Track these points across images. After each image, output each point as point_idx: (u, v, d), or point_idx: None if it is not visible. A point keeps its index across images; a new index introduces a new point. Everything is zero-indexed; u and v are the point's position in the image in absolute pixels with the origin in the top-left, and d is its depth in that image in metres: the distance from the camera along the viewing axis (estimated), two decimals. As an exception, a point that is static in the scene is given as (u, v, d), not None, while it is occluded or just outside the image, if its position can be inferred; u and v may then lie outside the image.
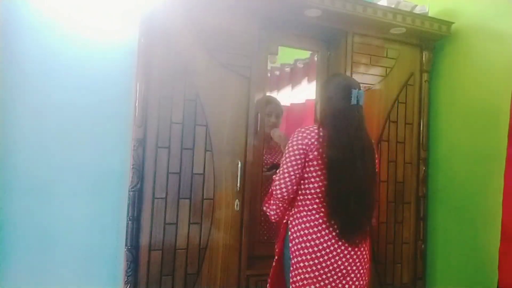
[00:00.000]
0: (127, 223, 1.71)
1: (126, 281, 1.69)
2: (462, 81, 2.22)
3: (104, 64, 1.94)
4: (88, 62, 1.92)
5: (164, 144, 1.79)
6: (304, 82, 2.49)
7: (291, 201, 1.58)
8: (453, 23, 2.25)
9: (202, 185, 1.84)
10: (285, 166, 1.51)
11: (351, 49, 2.16)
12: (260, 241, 2.14)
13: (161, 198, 1.77)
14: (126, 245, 1.70)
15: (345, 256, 1.46)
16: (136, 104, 1.74)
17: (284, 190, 1.50)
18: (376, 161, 1.63)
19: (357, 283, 1.50)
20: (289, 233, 1.55)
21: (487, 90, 2.06)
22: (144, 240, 1.73)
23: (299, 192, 1.54)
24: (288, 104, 2.46)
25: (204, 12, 1.86)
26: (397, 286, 2.23)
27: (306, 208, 1.52)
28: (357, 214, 1.48)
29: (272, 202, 1.59)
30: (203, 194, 1.84)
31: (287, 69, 2.53)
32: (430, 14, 2.27)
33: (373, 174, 1.57)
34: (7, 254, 1.77)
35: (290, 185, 1.50)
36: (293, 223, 1.54)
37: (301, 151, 1.49)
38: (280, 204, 1.56)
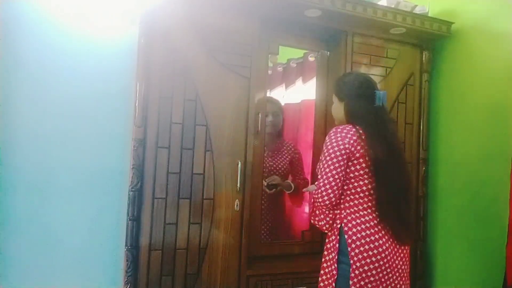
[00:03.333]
0: (127, 223, 1.71)
1: (126, 281, 1.69)
2: (462, 81, 2.22)
3: (104, 64, 1.94)
4: (88, 62, 1.92)
5: (164, 144, 1.79)
6: (299, 82, 2.49)
7: (337, 205, 1.51)
8: (453, 23, 2.25)
9: (202, 185, 1.84)
10: (327, 170, 1.42)
11: (351, 49, 2.16)
12: (260, 241, 2.14)
13: (161, 198, 1.77)
14: (126, 245, 1.70)
15: (399, 255, 1.44)
16: (136, 104, 1.74)
17: (331, 195, 1.41)
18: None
19: (407, 281, 1.50)
20: (345, 236, 1.42)
21: (487, 90, 2.06)
22: (144, 240, 1.74)
23: (347, 192, 1.47)
24: (282, 104, 2.46)
25: (204, 12, 1.86)
26: (397, 286, 2.23)
27: (360, 207, 1.44)
28: (406, 214, 1.46)
29: (318, 212, 1.51)
30: (203, 194, 1.84)
31: (280, 69, 2.53)
32: (430, 14, 2.27)
33: (409, 177, 1.60)
34: (7, 254, 1.77)
35: (336, 189, 1.41)
36: (349, 225, 1.43)
37: (344, 151, 1.42)
38: (327, 212, 1.49)
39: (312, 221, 1.57)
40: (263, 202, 2.14)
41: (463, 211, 2.15)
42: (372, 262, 1.37)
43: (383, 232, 1.41)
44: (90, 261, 1.90)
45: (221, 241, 1.86)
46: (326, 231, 1.54)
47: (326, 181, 1.41)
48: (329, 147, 1.44)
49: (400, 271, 1.43)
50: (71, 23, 1.89)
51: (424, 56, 2.34)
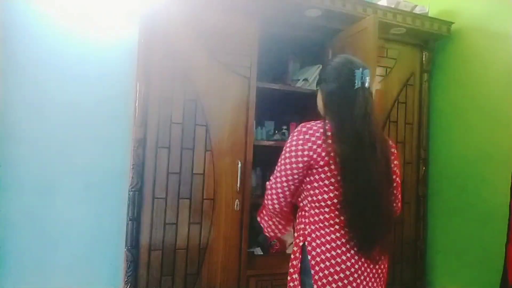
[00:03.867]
0: (127, 223, 1.71)
1: (126, 281, 1.69)
2: (462, 81, 2.22)
3: (104, 65, 1.94)
4: (89, 63, 1.92)
5: (164, 144, 1.79)
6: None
7: (288, 214, 1.36)
8: (453, 23, 2.25)
9: (202, 185, 1.84)
10: (278, 175, 1.26)
11: (351, 49, 2.16)
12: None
13: (161, 198, 1.77)
14: (126, 245, 1.70)
15: (373, 275, 1.24)
16: (136, 104, 1.74)
17: (275, 202, 1.28)
18: (393, 157, 1.33)
19: None
20: (309, 257, 1.24)
21: (487, 89, 2.06)
22: (144, 240, 1.74)
23: (312, 205, 1.26)
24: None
25: (204, 12, 1.86)
26: (397, 286, 2.23)
27: (325, 223, 1.23)
28: (375, 225, 1.20)
29: (264, 213, 1.39)
30: (203, 194, 1.84)
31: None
32: (430, 14, 2.27)
33: (388, 172, 1.26)
34: (7, 254, 1.77)
35: (283, 198, 1.27)
36: (313, 244, 1.24)
37: (304, 158, 1.22)
38: (272, 216, 1.35)
39: (258, 218, 1.44)
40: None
41: (463, 211, 2.15)
42: (341, 286, 1.19)
43: (352, 252, 1.20)
44: (90, 261, 1.90)
45: (221, 241, 1.86)
46: (267, 235, 1.43)
47: (274, 186, 1.28)
48: (287, 150, 1.26)
49: None
50: (72, 24, 1.90)
51: (424, 56, 2.35)
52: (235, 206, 1.88)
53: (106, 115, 1.94)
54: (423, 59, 2.35)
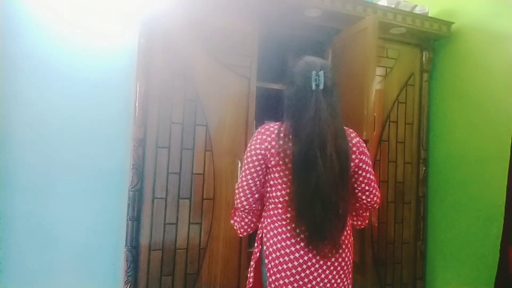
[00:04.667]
0: (127, 223, 1.71)
1: (126, 281, 1.69)
2: (462, 81, 2.22)
3: (105, 65, 1.94)
4: (89, 63, 1.92)
5: (164, 144, 1.79)
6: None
7: (258, 211, 1.43)
8: (453, 23, 2.25)
9: (202, 185, 1.84)
10: (243, 174, 1.34)
11: (351, 49, 2.16)
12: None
13: (161, 198, 1.78)
14: (126, 245, 1.71)
15: (326, 269, 1.29)
16: (136, 104, 1.74)
17: (243, 200, 1.34)
18: (357, 153, 1.36)
19: None
20: (264, 247, 1.35)
21: (487, 90, 2.06)
22: (144, 240, 1.74)
23: (270, 200, 1.35)
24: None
25: (204, 12, 1.87)
26: (397, 286, 2.23)
27: (278, 217, 1.32)
28: (324, 221, 1.24)
29: (237, 214, 1.44)
30: (203, 194, 1.84)
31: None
32: (430, 14, 2.27)
33: (343, 170, 1.27)
34: (7, 254, 1.77)
35: (250, 194, 1.34)
36: (267, 235, 1.34)
37: (260, 157, 1.30)
38: (244, 216, 1.41)
39: (231, 221, 1.49)
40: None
41: (463, 211, 2.15)
42: (287, 276, 1.27)
43: (301, 244, 1.27)
44: (90, 261, 1.90)
45: (221, 241, 1.86)
46: (241, 235, 1.47)
47: (240, 185, 1.35)
48: (248, 149, 1.35)
49: (325, 285, 1.29)
50: (72, 24, 1.89)
51: (424, 56, 2.35)
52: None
53: (106, 115, 1.94)
54: (423, 59, 2.35)
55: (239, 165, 1.88)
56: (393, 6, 2.15)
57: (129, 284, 1.69)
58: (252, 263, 1.41)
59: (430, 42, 2.34)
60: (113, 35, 1.96)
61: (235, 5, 1.90)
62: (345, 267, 1.33)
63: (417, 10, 2.23)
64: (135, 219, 1.72)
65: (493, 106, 2.02)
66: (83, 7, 1.92)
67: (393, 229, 2.25)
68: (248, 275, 1.42)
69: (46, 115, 1.85)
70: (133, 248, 1.71)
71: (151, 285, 1.74)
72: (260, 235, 1.39)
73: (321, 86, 1.25)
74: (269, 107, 2.31)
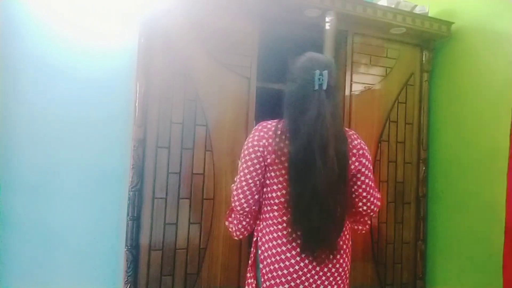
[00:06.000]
0: (127, 223, 1.71)
1: (126, 281, 1.69)
2: (462, 81, 2.22)
3: (105, 64, 1.94)
4: (89, 63, 1.92)
5: (164, 144, 1.79)
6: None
7: (256, 213, 1.34)
8: (453, 23, 2.25)
9: (202, 185, 1.84)
10: (241, 174, 1.26)
11: (351, 49, 2.16)
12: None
13: (161, 198, 1.78)
14: (126, 245, 1.71)
15: (322, 275, 1.24)
16: (136, 104, 1.74)
17: (243, 201, 1.26)
18: (357, 155, 1.30)
19: None
20: (259, 251, 1.29)
21: (487, 89, 2.06)
22: (144, 240, 1.74)
23: (266, 202, 1.29)
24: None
25: (204, 12, 1.86)
26: (397, 286, 2.23)
27: (274, 221, 1.26)
28: (320, 226, 1.19)
29: (233, 215, 1.36)
30: (203, 194, 1.84)
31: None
32: (430, 14, 2.27)
33: (341, 174, 1.21)
34: (7, 254, 1.77)
35: (250, 195, 1.25)
36: (263, 239, 1.28)
37: (258, 154, 1.23)
38: (242, 218, 1.32)
39: (226, 223, 1.42)
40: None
41: (463, 211, 2.15)
42: (282, 283, 1.23)
43: (298, 249, 1.22)
44: (90, 261, 1.90)
45: (221, 241, 1.86)
46: (236, 238, 1.40)
47: (239, 186, 1.27)
48: (245, 147, 1.27)
49: None
50: (72, 24, 1.89)
51: (424, 56, 2.35)
52: (235, 206, 1.88)
53: (106, 115, 1.94)
54: (423, 59, 2.35)
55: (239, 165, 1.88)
56: (393, 6, 2.15)
57: (129, 284, 1.69)
58: (249, 268, 1.37)
59: (430, 42, 2.33)
60: (113, 35, 1.96)
61: (235, 5, 1.90)
62: (342, 273, 1.29)
63: (417, 10, 2.23)
64: (135, 219, 1.72)
65: (493, 105, 2.02)
66: (83, 7, 1.92)
67: (393, 229, 2.25)
68: (248, 275, 1.40)
69: (46, 115, 1.85)
70: (133, 248, 1.71)
71: (151, 285, 1.74)
72: (255, 239, 1.34)
73: (324, 86, 1.19)
74: (269, 107, 2.31)
